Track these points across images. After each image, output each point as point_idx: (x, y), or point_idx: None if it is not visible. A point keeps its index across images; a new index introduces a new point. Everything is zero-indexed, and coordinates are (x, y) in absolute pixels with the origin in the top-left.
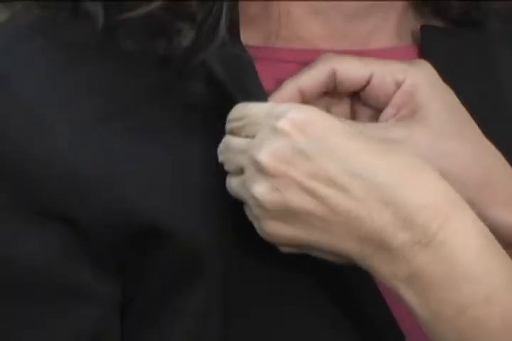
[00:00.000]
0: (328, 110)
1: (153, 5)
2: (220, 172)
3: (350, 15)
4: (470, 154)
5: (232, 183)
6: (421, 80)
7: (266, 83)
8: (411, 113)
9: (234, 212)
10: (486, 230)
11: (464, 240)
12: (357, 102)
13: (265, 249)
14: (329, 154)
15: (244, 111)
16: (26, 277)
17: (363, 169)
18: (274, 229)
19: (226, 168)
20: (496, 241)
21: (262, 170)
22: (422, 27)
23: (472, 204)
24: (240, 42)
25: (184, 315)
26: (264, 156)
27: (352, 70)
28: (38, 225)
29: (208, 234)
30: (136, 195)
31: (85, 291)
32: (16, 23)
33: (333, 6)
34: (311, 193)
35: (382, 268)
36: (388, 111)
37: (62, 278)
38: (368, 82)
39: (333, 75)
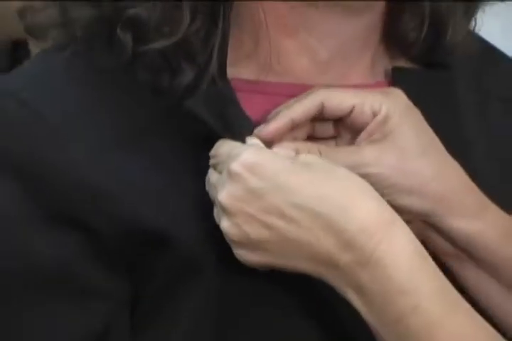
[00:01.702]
0: (313, 130)
1: (168, 41)
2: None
3: (334, 52)
4: (432, 172)
5: (214, 212)
6: (393, 109)
7: (258, 115)
8: (382, 137)
9: None
10: (417, 244)
11: (396, 258)
12: (339, 124)
13: None
14: (277, 191)
15: (216, 150)
16: (44, 274)
17: (307, 202)
18: (242, 255)
19: (210, 197)
20: (425, 253)
21: (222, 209)
22: (393, 68)
23: (431, 215)
24: (227, 80)
25: (185, 311)
26: (223, 197)
27: (337, 102)
28: (56, 229)
29: (203, 240)
30: (143, 207)
31: (96, 288)
32: (50, 54)
33: (321, 42)
34: (266, 225)
35: (335, 283)
36: (363, 135)
37: (75, 276)
38: (351, 112)
39: (322, 106)
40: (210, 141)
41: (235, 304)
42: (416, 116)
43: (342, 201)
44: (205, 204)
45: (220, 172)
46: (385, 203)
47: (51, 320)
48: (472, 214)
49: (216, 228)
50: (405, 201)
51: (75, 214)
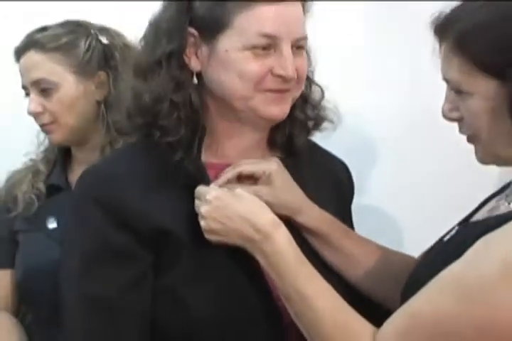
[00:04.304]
0: (245, 184)
1: (173, 138)
2: (195, 211)
3: (245, 149)
4: (291, 198)
5: (199, 218)
6: (273, 169)
7: (212, 178)
8: (269, 182)
9: (199, 227)
10: (290, 235)
11: (280, 240)
12: (254, 180)
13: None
14: (227, 208)
15: (198, 190)
16: (116, 252)
17: (240, 212)
18: (209, 237)
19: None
20: (293, 240)
21: (202, 216)
22: (274, 156)
23: (291, 215)
24: (201, 160)
25: (179, 266)
26: (203, 211)
27: (246, 168)
28: (121, 231)
29: (186, 235)
30: (162, 219)
31: (139, 257)
32: (127, 146)
33: (246, 142)
34: (221, 223)
35: (253, 250)
36: (260, 182)
37: (130, 252)
38: (253, 173)
39: (240, 171)
40: (193, 185)
41: (204, 262)
42: (284, 171)
43: (256, 212)
44: (191, 215)
45: (200, 200)
46: (273, 214)
47: (120, 271)
48: (304, 213)
49: (196, 226)
50: (280, 211)
51: (131, 225)
